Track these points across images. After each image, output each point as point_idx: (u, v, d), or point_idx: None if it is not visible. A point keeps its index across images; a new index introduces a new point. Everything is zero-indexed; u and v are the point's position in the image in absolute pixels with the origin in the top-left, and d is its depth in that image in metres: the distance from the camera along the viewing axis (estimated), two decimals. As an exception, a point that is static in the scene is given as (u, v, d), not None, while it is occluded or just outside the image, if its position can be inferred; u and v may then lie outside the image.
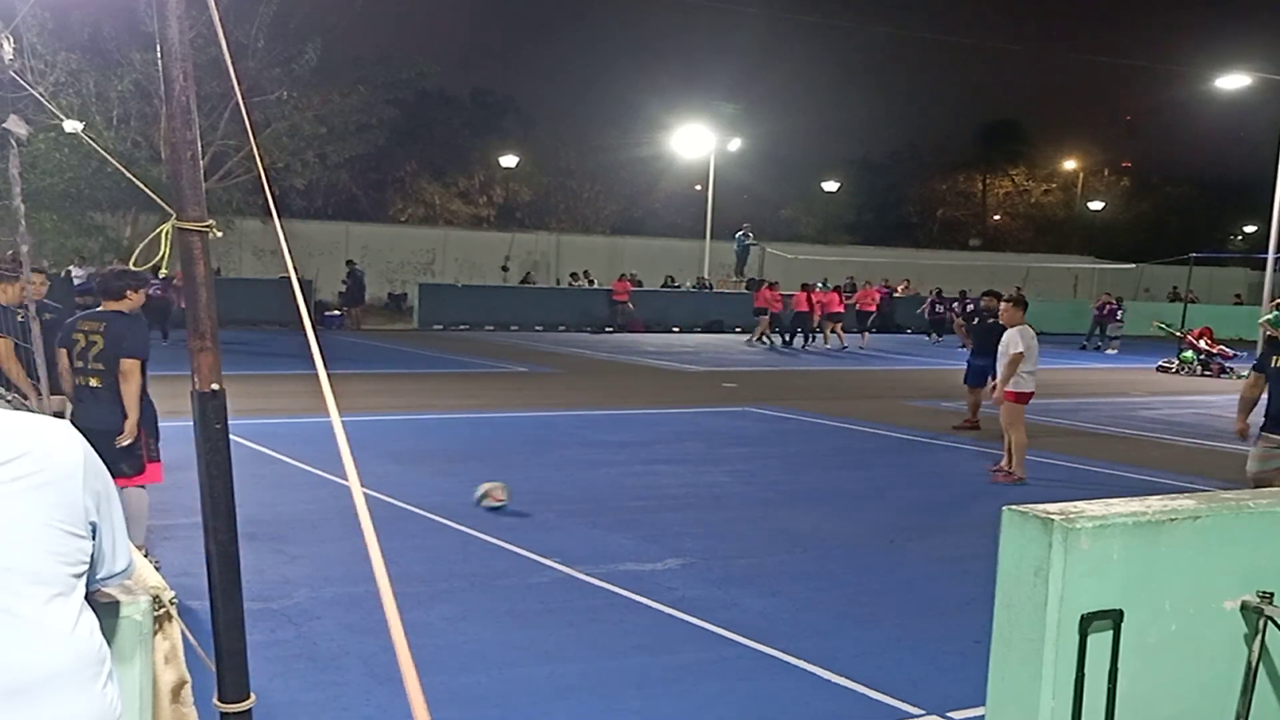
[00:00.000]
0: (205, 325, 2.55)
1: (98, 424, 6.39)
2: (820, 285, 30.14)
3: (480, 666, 5.18)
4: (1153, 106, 72.68)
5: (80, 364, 6.47)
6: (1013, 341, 10.23)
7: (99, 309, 6.63)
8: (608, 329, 30.08)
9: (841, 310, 28.64)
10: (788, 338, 28.41)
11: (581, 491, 9.22)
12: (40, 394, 6.39)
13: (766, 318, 28.19)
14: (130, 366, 6.31)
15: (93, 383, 6.45)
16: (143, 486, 6.52)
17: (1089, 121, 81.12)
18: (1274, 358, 7.66)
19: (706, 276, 36.18)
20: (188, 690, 2.47)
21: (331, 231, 36.89)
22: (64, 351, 6.61)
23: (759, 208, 50.73)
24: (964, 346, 13.38)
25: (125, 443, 6.33)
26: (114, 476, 6.40)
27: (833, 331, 28.40)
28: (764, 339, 28.25)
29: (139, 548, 6.35)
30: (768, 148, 52.12)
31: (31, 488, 1.93)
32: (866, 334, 29.41)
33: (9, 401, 6.58)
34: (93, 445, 6.57)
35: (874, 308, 30.42)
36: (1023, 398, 10.29)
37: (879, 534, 8.17)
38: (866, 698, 5.02)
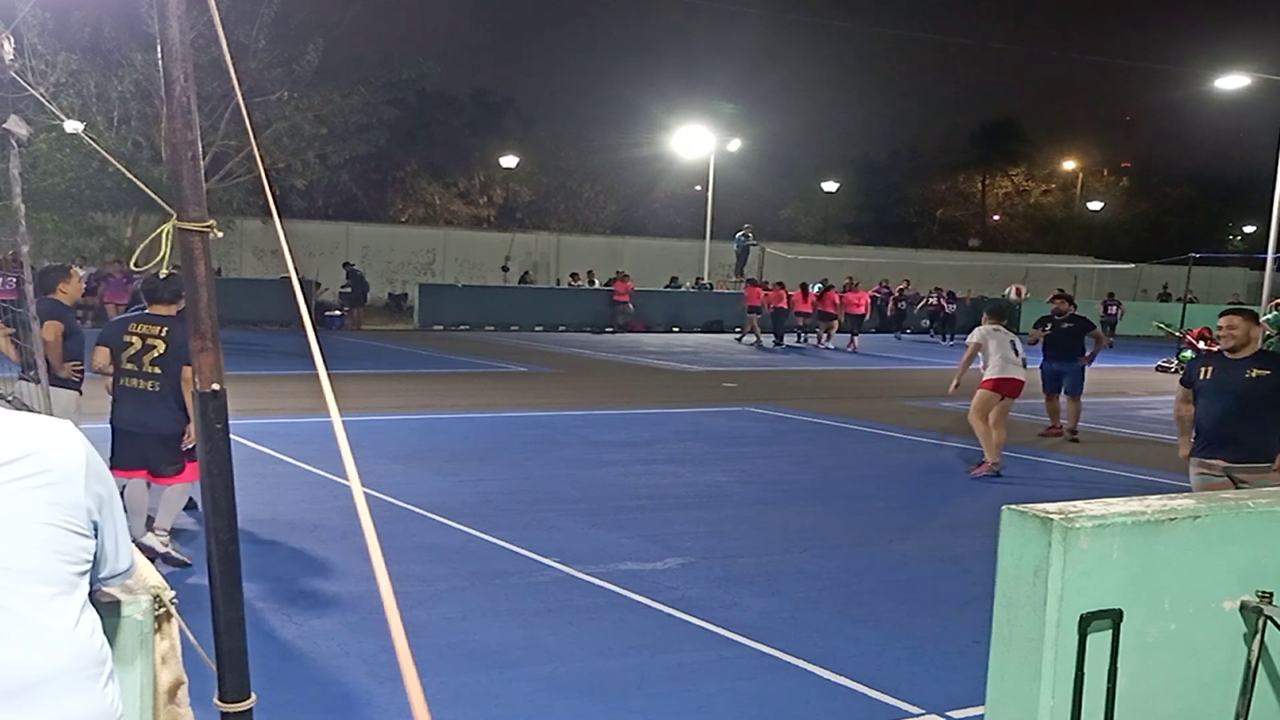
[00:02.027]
0: (206, 325, 2.55)
1: (147, 427, 6.47)
2: (818, 286, 30.16)
3: (480, 666, 5.19)
4: (1152, 106, 72.87)
5: (131, 366, 6.50)
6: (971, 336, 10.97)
7: (150, 312, 6.66)
8: (608, 329, 30.07)
9: (810, 310, 28.77)
10: (776, 337, 28.52)
11: (582, 491, 9.22)
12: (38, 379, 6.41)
13: (756, 316, 28.29)
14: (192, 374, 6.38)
15: (147, 386, 6.48)
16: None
17: (1089, 121, 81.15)
18: (1203, 369, 6.78)
19: (706, 279, 36.21)
20: (184, 691, 2.47)
21: (332, 232, 36.94)
22: (108, 350, 6.66)
23: (759, 208, 50.72)
24: (1032, 342, 13.17)
25: (189, 445, 6.42)
26: (158, 476, 6.47)
27: (825, 332, 28.53)
28: (754, 337, 28.33)
29: (166, 531, 6.53)
30: (768, 148, 52.21)
31: (34, 487, 1.93)
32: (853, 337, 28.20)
33: (9, 402, 6.59)
34: (142, 447, 6.61)
35: (863, 309, 29.20)
36: (988, 384, 10.66)
37: (879, 534, 8.17)
38: (866, 697, 5.02)
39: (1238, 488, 6.40)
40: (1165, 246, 48.85)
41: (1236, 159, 57.65)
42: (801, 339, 29.11)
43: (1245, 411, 6.48)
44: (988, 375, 10.63)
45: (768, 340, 28.11)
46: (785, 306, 28.53)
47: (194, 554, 6.64)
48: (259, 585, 6.14)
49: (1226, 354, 6.66)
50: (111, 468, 6.47)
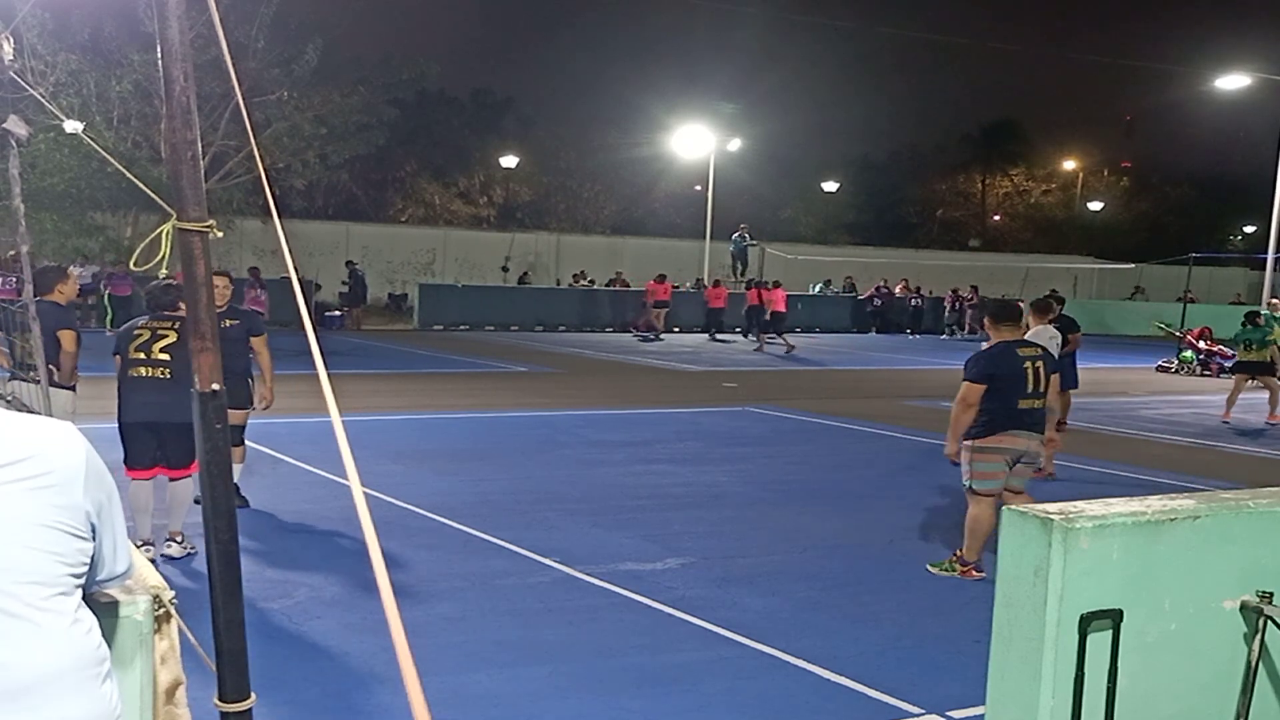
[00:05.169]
0: (205, 326, 2.55)
1: (163, 416, 6.45)
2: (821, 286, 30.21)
3: (480, 666, 5.19)
4: (1153, 106, 72.82)
5: (140, 355, 6.53)
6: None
7: (165, 313, 6.71)
8: (649, 336, 29.15)
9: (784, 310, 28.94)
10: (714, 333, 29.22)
11: (582, 491, 9.22)
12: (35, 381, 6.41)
13: (663, 310, 29.39)
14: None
15: (158, 373, 6.52)
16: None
17: (1089, 121, 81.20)
18: None
19: (707, 279, 36.20)
20: (182, 691, 2.47)
21: (332, 232, 36.90)
22: (118, 358, 6.69)
23: (759, 208, 50.68)
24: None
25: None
26: (174, 468, 6.54)
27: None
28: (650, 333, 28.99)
29: (181, 534, 6.57)
30: (768, 148, 52.15)
31: (34, 489, 1.93)
32: (773, 335, 26.92)
33: (8, 402, 6.59)
34: (159, 438, 6.63)
35: (784, 308, 27.81)
36: None
37: (879, 534, 8.17)
38: (866, 697, 5.02)
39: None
40: (1165, 246, 48.82)
41: (1236, 159, 57.55)
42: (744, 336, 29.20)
43: None
44: None
45: (646, 336, 28.56)
46: (759, 304, 28.61)
47: (197, 545, 6.66)
48: (259, 585, 6.14)
49: None
50: (128, 469, 6.52)
